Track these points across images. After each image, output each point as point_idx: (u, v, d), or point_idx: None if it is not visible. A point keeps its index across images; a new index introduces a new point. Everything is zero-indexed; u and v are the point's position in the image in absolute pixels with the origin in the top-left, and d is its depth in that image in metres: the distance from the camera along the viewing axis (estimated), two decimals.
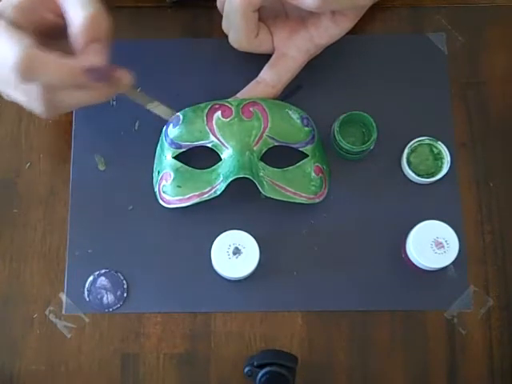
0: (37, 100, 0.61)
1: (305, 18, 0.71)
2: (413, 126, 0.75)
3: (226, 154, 0.69)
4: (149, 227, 0.73)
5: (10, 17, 0.60)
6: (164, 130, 0.72)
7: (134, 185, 0.74)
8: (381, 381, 0.70)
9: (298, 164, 0.71)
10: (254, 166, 0.68)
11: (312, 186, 0.71)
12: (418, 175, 0.73)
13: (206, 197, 0.69)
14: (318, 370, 0.70)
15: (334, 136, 0.72)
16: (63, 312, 0.71)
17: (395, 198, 0.74)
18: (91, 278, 0.72)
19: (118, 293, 0.71)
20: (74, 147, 0.75)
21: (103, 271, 0.72)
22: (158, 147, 0.73)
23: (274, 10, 0.71)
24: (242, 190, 0.71)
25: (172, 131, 0.70)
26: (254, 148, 0.69)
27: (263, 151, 0.70)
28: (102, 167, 0.75)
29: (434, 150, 0.73)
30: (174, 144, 0.70)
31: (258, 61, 0.73)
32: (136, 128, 0.76)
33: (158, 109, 0.69)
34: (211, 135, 0.69)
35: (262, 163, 0.70)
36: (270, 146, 0.70)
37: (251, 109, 0.69)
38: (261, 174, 0.69)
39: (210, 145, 0.70)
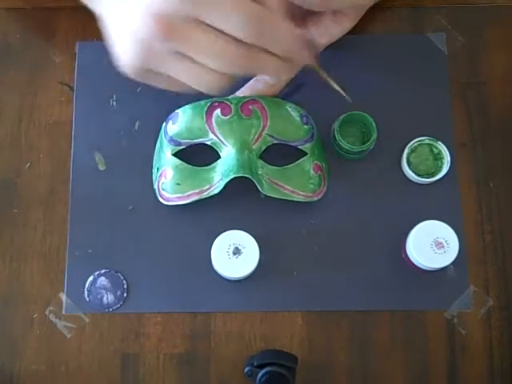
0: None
1: (305, 16, 0.71)
2: (413, 126, 0.75)
3: (225, 151, 0.69)
4: (149, 227, 0.73)
5: None
6: (163, 126, 0.72)
7: (134, 184, 0.74)
8: (381, 381, 0.70)
9: (297, 162, 0.71)
10: (253, 164, 0.68)
11: (310, 183, 0.71)
12: (418, 175, 0.73)
13: (205, 194, 0.69)
14: (317, 370, 0.70)
15: (334, 136, 0.72)
16: (63, 312, 0.71)
17: (395, 197, 0.74)
18: (91, 278, 0.71)
19: (118, 293, 0.71)
20: (74, 147, 0.75)
21: (103, 271, 0.72)
22: (158, 144, 0.73)
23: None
24: (241, 190, 0.71)
25: (171, 128, 0.70)
26: (253, 146, 0.69)
27: (262, 149, 0.70)
28: (101, 167, 0.75)
29: (434, 149, 0.73)
30: (174, 141, 0.70)
31: None
32: (136, 128, 0.75)
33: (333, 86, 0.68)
34: (210, 133, 0.69)
35: (261, 161, 0.70)
36: (269, 144, 0.70)
37: (250, 107, 0.69)
38: (260, 172, 0.69)
39: (209, 142, 0.70)
